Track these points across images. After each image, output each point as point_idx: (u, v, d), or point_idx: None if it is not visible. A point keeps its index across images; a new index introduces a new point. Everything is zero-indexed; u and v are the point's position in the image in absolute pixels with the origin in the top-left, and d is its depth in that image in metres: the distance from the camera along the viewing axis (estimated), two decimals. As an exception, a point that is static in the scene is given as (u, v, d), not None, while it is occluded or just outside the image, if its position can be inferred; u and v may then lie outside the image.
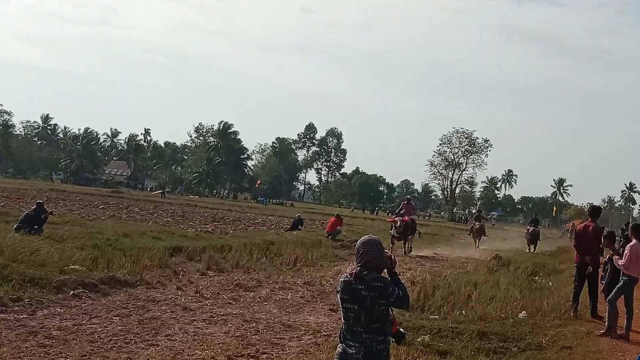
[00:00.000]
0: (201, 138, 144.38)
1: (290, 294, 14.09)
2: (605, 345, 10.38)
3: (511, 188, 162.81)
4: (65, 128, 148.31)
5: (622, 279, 11.11)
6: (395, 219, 25.40)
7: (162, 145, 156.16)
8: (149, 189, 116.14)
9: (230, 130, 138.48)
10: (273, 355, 8.83)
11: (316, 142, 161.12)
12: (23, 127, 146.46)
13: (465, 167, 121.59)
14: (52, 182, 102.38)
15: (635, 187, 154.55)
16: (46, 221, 18.73)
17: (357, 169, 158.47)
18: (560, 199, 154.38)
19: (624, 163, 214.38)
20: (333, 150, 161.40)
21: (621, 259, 11.08)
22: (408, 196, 31.89)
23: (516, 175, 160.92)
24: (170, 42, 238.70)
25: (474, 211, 40.12)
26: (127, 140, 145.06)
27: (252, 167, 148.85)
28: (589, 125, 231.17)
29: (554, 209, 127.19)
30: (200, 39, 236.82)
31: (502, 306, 13.02)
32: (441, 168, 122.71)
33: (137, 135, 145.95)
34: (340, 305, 5.12)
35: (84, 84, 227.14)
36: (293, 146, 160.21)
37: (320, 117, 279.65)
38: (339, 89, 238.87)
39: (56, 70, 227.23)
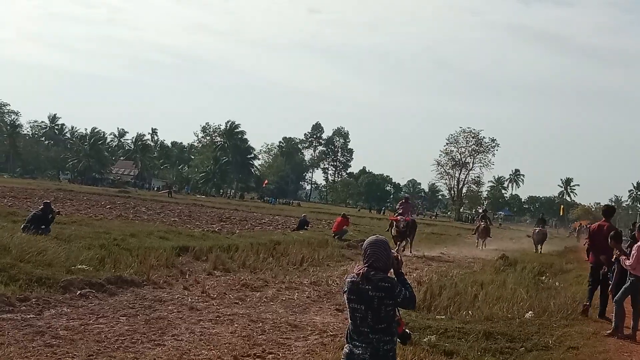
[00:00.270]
0: (208, 138, 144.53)
1: (296, 294, 14.10)
2: (612, 345, 10.34)
3: (518, 188, 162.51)
4: (72, 128, 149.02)
5: (629, 279, 11.07)
6: (398, 218, 25.29)
7: (169, 145, 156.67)
8: (155, 188, 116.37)
9: (237, 130, 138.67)
10: (279, 355, 8.84)
11: (323, 142, 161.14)
12: (30, 127, 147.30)
13: (472, 167, 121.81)
14: (59, 182, 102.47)
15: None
16: (53, 221, 18.78)
17: (364, 168, 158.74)
18: (568, 198, 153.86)
19: (631, 162, 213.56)
20: (340, 150, 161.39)
21: (628, 259, 11.05)
22: (406, 195, 31.93)
23: (523, 175, 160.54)
24: (177, 42, 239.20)
25: (480, 211, 39.84)
26: (134, 140, 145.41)
27: (258, 167, 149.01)
28: (597, 124, 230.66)
29: (562, 208, 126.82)
30: (207, 39, 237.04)
31: (508, 306, 13.00)
32: (448, 168, 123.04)
33: (144, 135, 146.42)
34: (347, 306, 5.12)
35: (91, 84, 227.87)
36: (300, 146, 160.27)
37: (327, 117, 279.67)
38: (345, 89, 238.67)
39: (64, 70, 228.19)
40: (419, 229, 29.54)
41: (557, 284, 18.23)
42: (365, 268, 5.03)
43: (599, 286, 12.92)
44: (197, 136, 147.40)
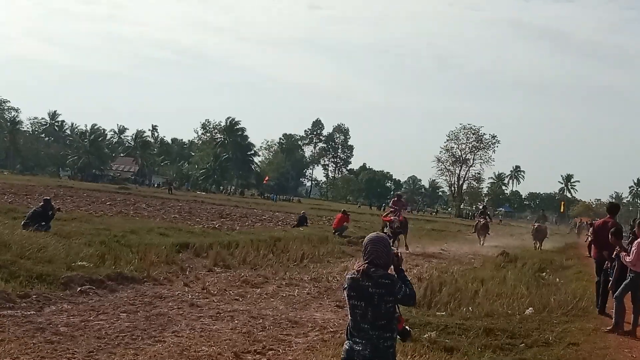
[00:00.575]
0: (208, 134, 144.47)
1: (296, 290, 14.12)
2: (612, 341, 10.36)
3: (519, 184, 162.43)
4: (72, 124, 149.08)
5: (629, 275, 11.08)
6: (392, 217, 25.16)
7: (169, 141, 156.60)
8: (155, 185, 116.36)
9: (237, 127, 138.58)
10: (279, 351, 8.85)
11: (323, 139, 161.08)
12: (31, 124, 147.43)
13: (473, 163, 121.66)
14: (59, 178, 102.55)
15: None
16: (53, 218, 18.81)
17: (364, 165, 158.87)
18: (568, 195, 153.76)
19: (632, 159, 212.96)
20: (340, 147, 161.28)
21: (628, 256, 11.05)
22: (398, 192, 31.69)
23: (524, 172, 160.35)
24: (177, 39, 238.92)
25: (480, 207, 39.60)
26: (134, 136, 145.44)
27: (259, 164, 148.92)
28: (597, 121, 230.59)
29: (562, 204, 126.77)
30: (208, 36, 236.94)
31: (508, 303, 13.01)
32: (448, 164, 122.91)
33: (144, 132, 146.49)
34: (347, 302, 5.12)
35: (91, 80, 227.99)
36: (300, 142, 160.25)
37: (328, 113, 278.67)
38: (346, 85, 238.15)
39: (64, 67, 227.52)
40: (419, 226, 29.65)
41: (557, 280, 18.21)
42: (366, 265, 5.04)
43: (602, 283, 12.94)
44: (197, 133, 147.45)
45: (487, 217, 35.06)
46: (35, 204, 22.25)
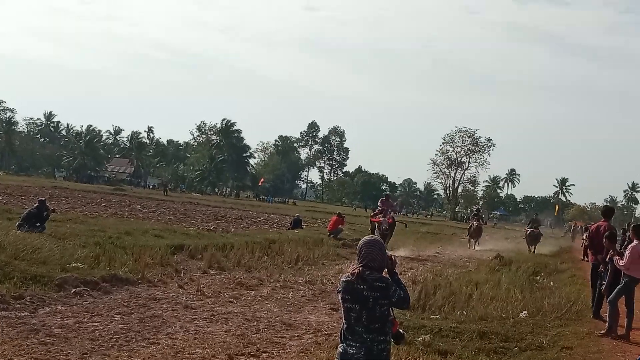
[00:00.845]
0: (203, 136, 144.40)
1: (291, 292, 14.11)
2: (606, 345, 10.39)
3: (514, 187, 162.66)
4: (68, 125, 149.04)
5: (623, 279, 11.12)
6: (381, 219, 24.95)
7: (165, 143, 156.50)
8: (151, 186, 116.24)
9: (233, 129, 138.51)
10: (274, 354, 8.85)
11: (319, 141, 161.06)
12: (26, 124, 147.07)
13: (468, 166, 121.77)
14: (54, 179, 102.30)
15: (638, 187, 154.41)
16: (48, 219, 18.78)
17: (360, 167, 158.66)
18: (563, 198, 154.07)
19: (626, 163, 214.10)
20: (336, 149, 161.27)
21: (622, 260, 11.09)
22: (387, 192, 31.31)
23: (519, 175, 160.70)
24: (174, 39, 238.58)
25: (474, 210, 39.20)
26: (129, 137, 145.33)
27: (254, 166, 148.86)
28: (593, 124, 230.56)
29: (557, 208, 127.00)
30: (204, 36, 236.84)
31: (503, 306, 13.04)
32: (444, 167, 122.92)
33: (140, 133, 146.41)
34: (342, 305, 5.13)
35: (88, 81, 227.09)
36: (296, 144, 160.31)
37: (323, 115, 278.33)
38: (342, 86, 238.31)
39: (60, 67, 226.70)
40: (414, 228, 29.51)
41: (551, 283, 18.27)
42: (360, 268, 5.04)
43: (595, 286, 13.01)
44: (193, 134, 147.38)
45: (480, 219, 34.96)
46: (30, 205, 22.26)
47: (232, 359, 8.41)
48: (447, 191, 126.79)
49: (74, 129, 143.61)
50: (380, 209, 25.60)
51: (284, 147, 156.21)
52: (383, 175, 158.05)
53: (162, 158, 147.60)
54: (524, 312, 12.68)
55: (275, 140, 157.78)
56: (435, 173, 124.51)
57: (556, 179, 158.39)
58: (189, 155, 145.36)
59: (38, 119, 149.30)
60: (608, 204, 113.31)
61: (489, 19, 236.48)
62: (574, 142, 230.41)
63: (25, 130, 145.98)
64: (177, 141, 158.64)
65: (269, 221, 40.19)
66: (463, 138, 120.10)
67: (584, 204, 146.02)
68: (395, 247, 25.66)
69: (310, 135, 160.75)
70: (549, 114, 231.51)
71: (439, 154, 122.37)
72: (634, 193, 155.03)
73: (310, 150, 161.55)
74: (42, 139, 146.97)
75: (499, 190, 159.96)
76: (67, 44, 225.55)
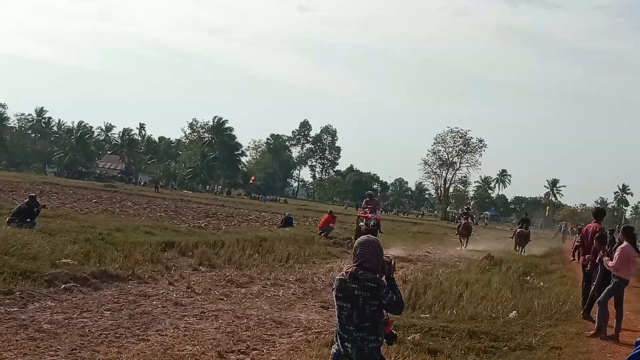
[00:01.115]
0: (195, 134, 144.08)
1: (281, 290, 14.12)
2: (595, 346, 10.42)
3: (505, 188, 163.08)
4: (59, 121, 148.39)
5: (613, 280, 11.17)
6: (369, 215, 24.92)
7: (157, 140, 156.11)
8: (142, 183, 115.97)
9: (224, 126, 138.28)
10: (263, 351, 8.85)
11: (310, 140, 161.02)
12: (17, 120, 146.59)
13: (459, 167, 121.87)
14: (45, 175, 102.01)
15: (629, 189, 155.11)
16: (39, 214, 18.71)
17: (351, 166, 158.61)
18: (554, 199, 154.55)
19: (617, 165, 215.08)
20: (327, 148, 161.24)
21: (611, 261, 11.13)
22: (369, 191, 30.97)
23: (510, 175, 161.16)
24: (166, 38, 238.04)
25: (464, 209, 38.96)
26: (121, 134, 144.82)
27: (246, 164, 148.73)
28: (583, 126, 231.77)
29: (548, 209, 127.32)
30: (196, 35, 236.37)
31: (493, 306, 13.08)
32: (435, 167, 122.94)
33: (132, 130, 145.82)
34: (335, 304, 5.14)
35: (80, 78, 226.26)
36: (287, 143, 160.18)
37: (315, 114, 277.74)
38: (334, 86, 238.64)
39: (52, 63, 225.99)
40: (405, 228, 29.46)
41: (541, 284, 18.33)
42: (354, 267, 5.06)
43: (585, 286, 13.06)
44: (185, 132, 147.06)
45: (469, 218, 34.77)
46: (21, 200, 22.16)
47: (222, 356, 8.40)
48: (439, 191, 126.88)
49: (65, 125, 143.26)
50: (367, 208, 25.59)
51: (276, 145, 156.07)
52: (374, 174, 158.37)
53: (154, 155, 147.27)
54: (513, 312, 12.71)
55: (267, 139, 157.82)
56: (426, 173, 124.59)
57: (547, 180, 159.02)
58: (180, 153, 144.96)
59: (29, 114, 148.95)
60: (599, 206, 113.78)
61: (481, 21, 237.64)
62: (565, 143, 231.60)
63: (17, 126, 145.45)
64: (169, 138, 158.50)
65: (260, 219, 40.14)
66: (455, 138, 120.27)
67: (574, 205, 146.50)
68: (386, 246, 25.59)
69: (302, 134, 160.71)
70: (541, 116, 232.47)
71: (431, 154, 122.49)
72: (624, 195, 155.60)
73: (302, 148, 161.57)
74: (33, 135, 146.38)
75: (490, 191, 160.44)
76: (58, 42, 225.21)
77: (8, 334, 8.29)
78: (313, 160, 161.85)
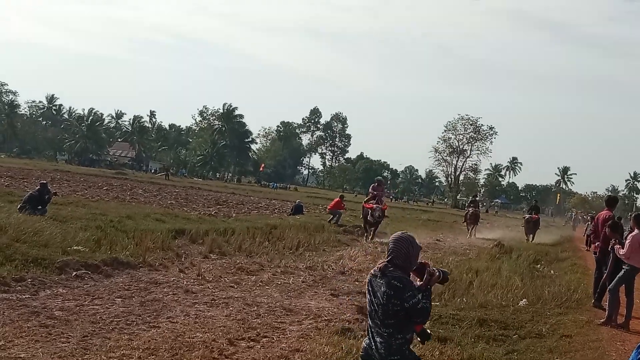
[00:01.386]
0: (205, 121, 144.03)
1: (292, 278, 14.12)
2: (605, 334, 10.40)
3: (515, 176, 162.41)
4: (70, 108, 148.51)
5: (624, 268, 11.13)
6: (374, 206, 24.67)
7: (167, 127, 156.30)
8: (152, 171, 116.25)
9: (235, 114, 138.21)
10: (273, 339, 8.87)
11: (321, 127, 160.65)
12: (28, 107, 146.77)
13: (470, 154, 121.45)
14: (56, 162, 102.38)
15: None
16: (50, 202, 18.80)
17: (362, 154, 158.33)
18: (565, 187, 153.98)
19: (629, 152, 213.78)
20: (337, 135, 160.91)
21: (622, 249, 11.09)
22: (378, 177, 30.70)
23: (521, 163, 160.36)
24: (177, 24, 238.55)
25: (472, 197, 38.32)
26: (131, 121, 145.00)
27: (256, 151, 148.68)
28: (595, 113, 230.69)
29: (559, 196, 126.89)
30: (207, 21, 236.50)
31: (503, 294, 13.06)
32: (445, 155, 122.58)
33: (142, 117, 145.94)
34: (366, 297, 5.14)
35: (90, 64, 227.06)
36: (297, 130, 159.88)
37: (326, 102, 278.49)
38: (344, 73, 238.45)
39: (62, 50, 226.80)
40: (415, 216, 29.44)
41: (552, 272, 18.28)
42: (385, 263, 5.04)
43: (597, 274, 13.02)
44: (195, 120, 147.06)
45: (477, 206, 34.47)
46: (32, 188, 22.28)
47: (232, 343, 8.42)
48: (449, 179, 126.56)
49: (76, 112, 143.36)
50: (373, 194, 25.28)
51: (286, 132, 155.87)
52: (385, 162, 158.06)
53: (164, 142, 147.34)
54: (523, 300, 12.70)
55: (277, 126, 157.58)
56: (437, 160, 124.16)
57: (558, 168, 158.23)
58: (190, 140, 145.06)
59: (40, 102, 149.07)
60: (610, 194, 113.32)
61: (492, 7, 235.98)
62: (576, 131, 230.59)
63: (28, 113, 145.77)
64: (179, 126, 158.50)
65: (270, 207, 40.19)
66: (465, 126, 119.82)
67: (585, 193, 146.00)
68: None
69: (313, 121, 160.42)
70: (552, 103, 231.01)
71: (441, 142, 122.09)
72: (635, 182, 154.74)
73: (312, 136, 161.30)
74: (44, 122, 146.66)
75: (500, 179, 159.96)
76: (68, 28, 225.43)
77: (20, 321, 8.33)
78: (323, 147, 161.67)
